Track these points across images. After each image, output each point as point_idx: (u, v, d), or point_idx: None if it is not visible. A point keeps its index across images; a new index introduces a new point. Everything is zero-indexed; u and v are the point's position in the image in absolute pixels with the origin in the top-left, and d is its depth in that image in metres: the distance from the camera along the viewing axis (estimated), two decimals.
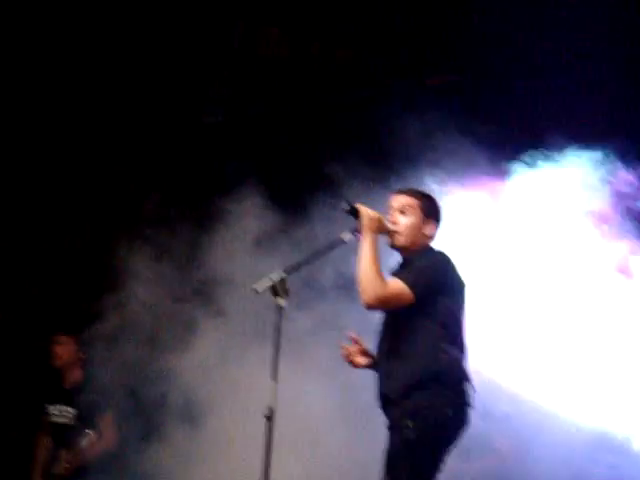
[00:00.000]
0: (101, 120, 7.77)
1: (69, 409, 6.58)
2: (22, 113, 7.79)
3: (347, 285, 5.82)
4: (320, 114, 7.67)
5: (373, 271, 4.26)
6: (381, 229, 4.41)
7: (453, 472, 4.63)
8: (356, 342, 4.62)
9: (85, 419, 6.48)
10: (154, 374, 6.92)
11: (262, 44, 7.64)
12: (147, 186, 7.79)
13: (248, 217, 7.08)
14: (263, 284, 4.40)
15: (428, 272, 4.34)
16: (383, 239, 4.48)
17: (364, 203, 4.47)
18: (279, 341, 4.38)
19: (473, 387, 4.35)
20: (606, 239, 6.03)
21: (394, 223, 4.46)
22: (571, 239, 6.14)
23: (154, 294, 7.17)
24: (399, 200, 4.52)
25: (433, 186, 6.34)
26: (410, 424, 4.18)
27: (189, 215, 7.50)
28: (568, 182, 6.15)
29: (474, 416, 4.39)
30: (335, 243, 4.53)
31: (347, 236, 4.46)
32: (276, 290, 4.39)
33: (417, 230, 4.48)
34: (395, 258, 4.57)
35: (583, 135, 6.18)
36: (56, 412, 6.61)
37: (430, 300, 4.30)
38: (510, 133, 6.82)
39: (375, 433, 4.64)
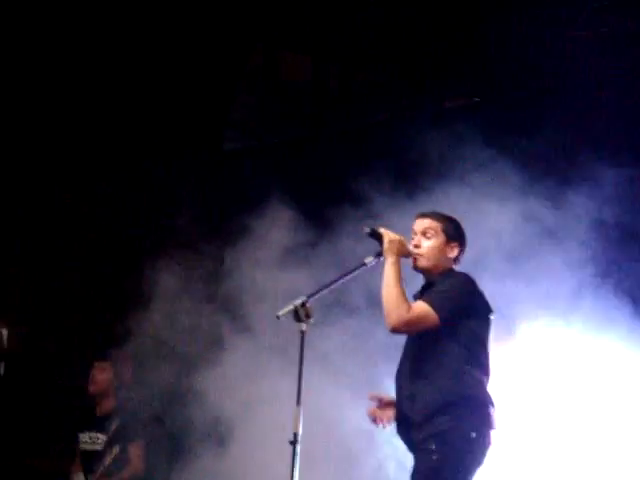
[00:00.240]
0: (126, 144, 7.87)
1: (99, 435, 6.63)
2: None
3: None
4: (343, 136, 7.73)
5: (397, 294, 4.36)
6: (403, 252, 4.50)
7: None
8: (379, 400, 4.72)
9: (115, 444, 6.54)
10: (181, 394, 7.02)
11: (283, 68, 7.74)
12: (174, 206, 7.87)
13: (273, 233, 7.18)
14: (285, 310, 4.50)
15: (452, 295, 4.43)
16: (407, 262, 4.56)
17: (387, 226, 4.56)
18: (302, 366, 4.48)
19: (496, 410, 4.41)
20: None
21: (417, 246, 4.55)
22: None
23: (181, 312, 7.28)
24: (422, 223, 4.62)
25: (460, 201, 6.47)
26: (434, 447, 4.26)
27: (215, 233, 7.60)
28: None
29: None
30: (358, 267, 4.62)
31: (370, 259, 4.56)
32: (298, 315, 4.50)
33: (440, 253, 4.57)
34: (419, 282, 4.65)
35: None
36: (87, 439, 6.67)
37: (455, 323, 4.38)
38: (540, 148, 6.90)
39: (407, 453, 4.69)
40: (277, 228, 7.17)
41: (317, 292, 4.62)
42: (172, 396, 7.13)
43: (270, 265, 7.11)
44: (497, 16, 7.19)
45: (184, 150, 7.80)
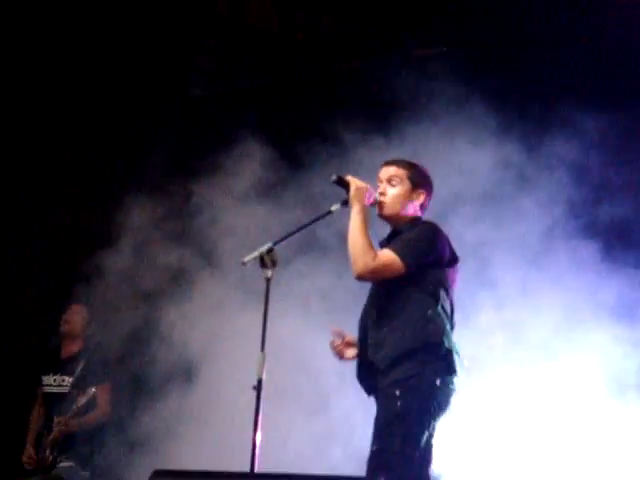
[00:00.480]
0: (94, 88, 7.87)
1: (65, 378, 6.72)
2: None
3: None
4: (313, 82, 7.75)
5: (362, 242, 4.45)
6: (369, 200, 4.58)
7: None
8: (341, 335, 4.81)
9: (81, 387, 6.60)
10: (147, 334, 7.13)
11: (249, 13, 7.72)
12: (142, 147, 7.89)
13: (242, 170, 7.27)
14: (251, 256, 4.61)
15: (418, 242, 4.51)
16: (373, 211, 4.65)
17: (358, 164, 4.63)
18: (267, 312, 4.58)
19: (460, 356, 4.52)
20: None
21: (382, 194, 4.64)
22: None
23: (148, 249, 7.36)
24: (387, 171, 4.71)
25: (432, 141, 6.56)
26: (398, 393, 4.37)
27: (182, 171, 7.65)
28: None
29: None
30: (323, 214, 4.71)
31: (336, 207, 4.65)
32: (264, 262, 4.60)
33: (405, 200, 4.66)
34: (385, 230, 4.75)
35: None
36: (52, 382, 6.74)
37: (420, 270, 4.47)
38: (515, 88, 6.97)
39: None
40: (246, 165, 7.27)
41: (283, 239, 4.71)
42: (137, 336, 7.22)
43: (239, 202, 7.22)
44: None
45: (151, 95, 7.81)
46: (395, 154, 6.36)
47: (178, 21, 7.89)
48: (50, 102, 7.84)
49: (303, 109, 7.77)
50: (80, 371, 6.68)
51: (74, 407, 6.46)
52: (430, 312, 4.47)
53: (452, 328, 4.58)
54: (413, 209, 4.69)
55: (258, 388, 4.54)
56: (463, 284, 4.77)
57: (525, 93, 7.00)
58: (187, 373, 7.09)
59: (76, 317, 6.88)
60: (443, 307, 4.54)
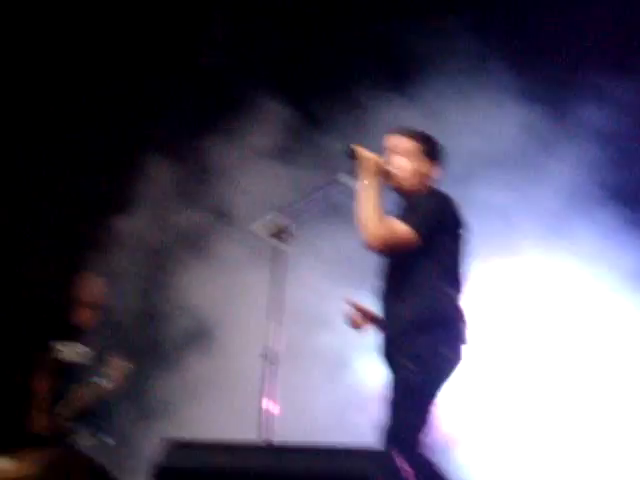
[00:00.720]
0: (96, 62, 7.95)
1: (80, 346, 6.81)
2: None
3: None
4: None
5: (374, 212, 4.53)
6: (379, 170, 4.65)
7: None
8: (357, 307, 4.92)
9: (98, 356, 6.71)
10: (162, 302, 7.25)
11: None
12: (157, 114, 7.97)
13: (263, 131, 7.33)
14: (259, 224, 4.73)
15: (429, 212, 4.58)
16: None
17: (362, 145, 4.70)
18: (276, 282, 4.71)
19: (467, 324, 4.62)
20: None
21: (392, 165, 4.71)
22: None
23: (165, 215, 7.47)
24: (396, 141, 4.78)
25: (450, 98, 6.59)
26: (410, 365, 4.47)
27: (199, 136, 7.72)
28: None
29: None
30: (329, 183, 4.81)
31: (343, 176, 4.73)
32: (272, 231, 4.72)
33: (416, 171, 4.73)
34: (394, 200, 4.81)
35: None
36: (65, 350, 6.83)
37: (431, 240, 4.55)
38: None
39: None
40: (263, 126, 7.34)
41: (290, 207, 4.81)
42: (151, 303, 7.34)
43: (255, 165, 7.29)
44: None
45: (164, 61, 7.87)
46: (415, 114, 6.52)
47: None
48: (64, 69, 7.91)
49: (320, 69, 7.79)
50: (96, 340, 6.78)
51: (94, 378, 6.57)
52: (440, 282, 4.57)
53: (461, 296, 4.66)
54: (424, 180, 4.75)
55: (266, 356, 4.67)
56: (482, 250, 4.84)
57: (548, 54, 6.99)
58: (203, 339, 7.19)
59: (92, 287, 6.97)
60: (452, 275, 4.63)
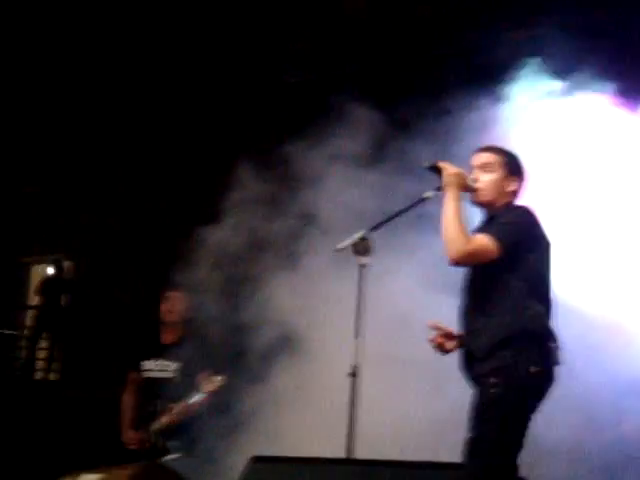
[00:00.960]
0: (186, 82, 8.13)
1: (169, 363, 6.97)
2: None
3: None
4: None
5: (457, 227, 4.65)
6: (463, 186, 4.78)
7: None
8: (439, 329, 4.99)
9: (186, 373, 6.88)
10: (249, 316, 7.37)
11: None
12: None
13: (351, 137, 7.43)
14: (345, 243, 4.85)
15: (513, 227, 4.69)
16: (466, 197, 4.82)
17: (447, 160, 4.79)
18: (361, 299, 4.80)
19: (558, 344, 4.67)
20: None
21: (476, 180, 4.82)
22: None
23: (252, 224, 7.60)
24: (481, 158, 4.90)
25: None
26: (495, 381, 4.55)
27: (284, 144, 7.84)
28: None
29: None
30: (417, 202, 4.94)
31: (429, 194, 4.87)
32: (358, 249, 4.83)
33: (500, 187, 4.84)
34: (479, 216, 4.92)
35: None
36: (153, 367, 7.00)
37: (515, 256, 4.65)
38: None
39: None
40: (352, 132, 7.42)
41: (377, 226, 4.94)
42: (239, 319, 7.47)
43: (343, 172, 7.39)
44: None
45: (249, 81, 8.02)
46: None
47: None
48: (154, 85, 8.12)
49: (409, 75, 7.87)
50: (184, 357, 6.92)
51: (185, 396, 6.72)
52: (526, 299, 4.64)
53: (550, 314, 4.73)
54: (507, 196, 4.86)
55: (354, 375, 4.78)
56: None
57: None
58: (290, 351, 7.30)
59: (178, 304, 7.12)
60: (539, 293, 4.70)
